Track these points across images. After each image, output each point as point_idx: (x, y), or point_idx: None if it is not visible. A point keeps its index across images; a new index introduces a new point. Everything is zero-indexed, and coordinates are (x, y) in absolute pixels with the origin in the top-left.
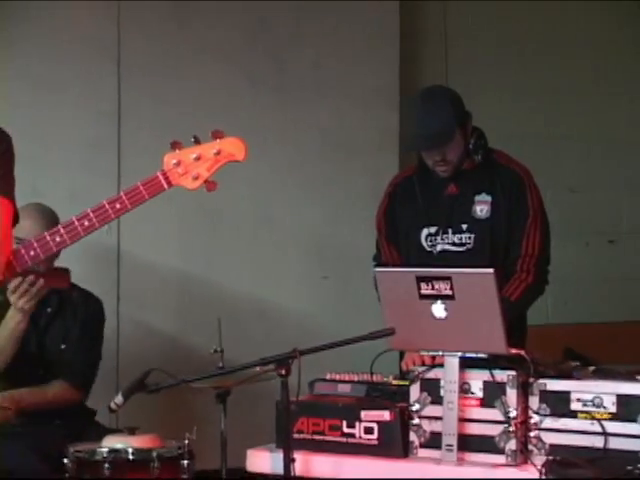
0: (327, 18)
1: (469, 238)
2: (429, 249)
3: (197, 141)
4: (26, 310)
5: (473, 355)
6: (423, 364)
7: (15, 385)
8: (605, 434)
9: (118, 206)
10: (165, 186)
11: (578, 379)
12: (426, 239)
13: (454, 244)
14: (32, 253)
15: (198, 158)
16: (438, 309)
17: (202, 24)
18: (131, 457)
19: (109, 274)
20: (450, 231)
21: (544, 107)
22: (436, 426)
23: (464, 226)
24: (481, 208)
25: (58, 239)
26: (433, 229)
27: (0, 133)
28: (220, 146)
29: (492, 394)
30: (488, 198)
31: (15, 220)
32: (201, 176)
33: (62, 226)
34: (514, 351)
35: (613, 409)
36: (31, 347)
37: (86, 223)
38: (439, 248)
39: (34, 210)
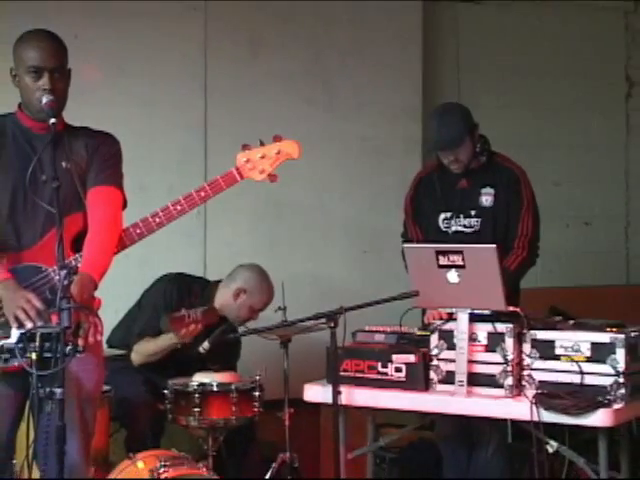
0: (366, 52)
1: (477, 222)
2: (445, 230)
3: (262, 143)
4: (184, 341)
5: (479, 312)
6: (441, 319)
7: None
8: (582, 373)
9: (203, 194)
10: (238, 178)
11: (561, 330)
12: (443, 222)
13: (465, 226)
14: (138, 231)
15: (263, 157)
16: (452, 276)
17: (271, 56)
18: (215, 389)
19: (198, 249)
20: (462, 216)
21: (535, 119)
22: (450, 366)
23: (472, 212)
24: (486, 198)
25: (157, 220)
26: (448, 214)
27: (113, 139)
28: (280, 147)
29: (494, 342)
30: (491, 191)
31: (124, 205)
32: (265, 170)
33: (160, 210)
34: (511, 309)
35: (588, 353)
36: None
37: (178, 207)
38: (453, 229)
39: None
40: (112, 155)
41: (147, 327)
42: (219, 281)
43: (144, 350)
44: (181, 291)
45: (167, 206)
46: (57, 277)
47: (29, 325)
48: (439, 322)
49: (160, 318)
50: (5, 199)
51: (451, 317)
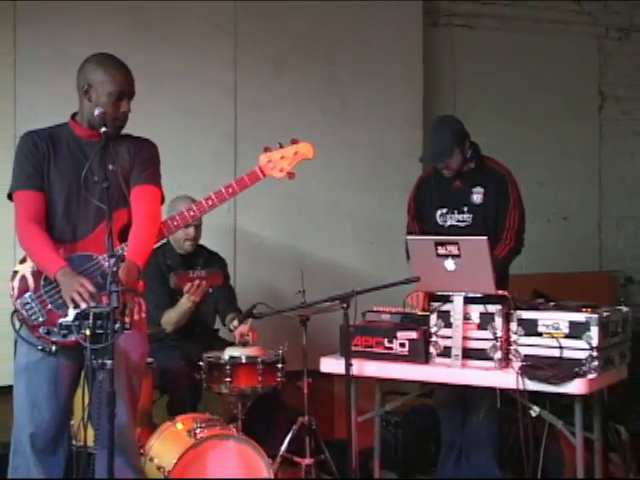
0: (375, 69)
1: (469, 217)
2: (441, 224)
3: (281, 146)
4: (195, 302)
5: (473, 295)
6: (423, 306)
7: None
8: (561, 347)
9: (230, 190)
10: (261, 176)
11: (543, 310)
12: (439, 217)
13: (458, 221)
14: (175, 223)
15: (282, 157)
16: (449, 264)
17: (292, 72)
18: (244, 361)
19: (229, 240)
20: (456, 212)
21: (521, 128)
22: (447, 342)
23: (465, 209)
24: (477, 196)
25: (192, 213)
26: (444, 210)
27: (151, 143)
28: (297, 149)
29: (485, 321)
30: (481, 190)
31: (162, 201)
32: (284, 169)
33: (194, 204)
34: (500, 292)
35: (566, 331)
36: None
37: (210, 202)
38: (448, 224)
39: (184, 198)
40: (151, 157)
41: (159, 302)
42: None
43: (170, 320)
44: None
45: (200, 201)
46: (107, 264)
47: (83, 306)
48: (437, 304)
49: (158, 290)
50: (61, 198)
51: (430, 301)
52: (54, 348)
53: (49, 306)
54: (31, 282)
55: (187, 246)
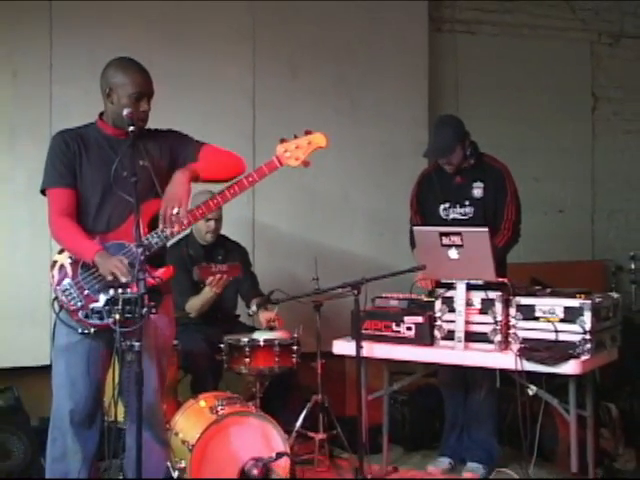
0: (383, 73)
1: (470, 210)
2: (444, 217)
3: (296, 137)
4: (217, 292)
5: (474, 282)
6: (432, 285)
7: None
8: (556, 331)
9: (250, 179)
10: (278, 165)
11: (540, 297)
12: (443, 211)
13: (460, 214)
14: (200, 212)
15: (297, 147)
16: (453, 253)
17: (307, 75)
18: (262, 343)
19: (247, 230)
20: (458, 206)
21: (520, 127)
22: (451, 326)
23: (466, 202)
24: (477, 191)
25: (215, 201)
26: (447, 204)
27: (170, 129)
28: (310, 139)
29: (486, 306)
30: (481, 185)
31: None
32: (300, 158)
33: (218, 194)
34: (500, 279)
35: (561, 315)
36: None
37: (232, 191)
38: (451, 217)
39: (204, 193)
40: (178, 132)
41: (183, 290)
42: None
43: (193, 307)
44: (176, 249)
45: (223, 190)
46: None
47: (123, 280)
48: (441, 290)
49: (182, 279)
50: (95, 194)
51: (438, 284)
52: (92, 330)
53: (86, 292)
54: (69, 270)
55: (208, 237)
